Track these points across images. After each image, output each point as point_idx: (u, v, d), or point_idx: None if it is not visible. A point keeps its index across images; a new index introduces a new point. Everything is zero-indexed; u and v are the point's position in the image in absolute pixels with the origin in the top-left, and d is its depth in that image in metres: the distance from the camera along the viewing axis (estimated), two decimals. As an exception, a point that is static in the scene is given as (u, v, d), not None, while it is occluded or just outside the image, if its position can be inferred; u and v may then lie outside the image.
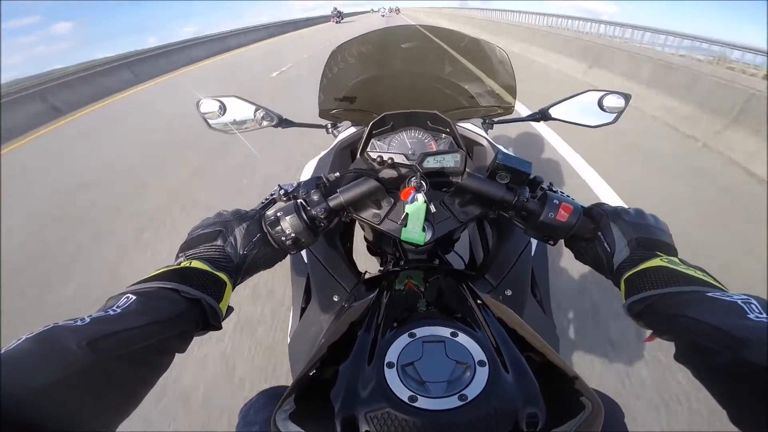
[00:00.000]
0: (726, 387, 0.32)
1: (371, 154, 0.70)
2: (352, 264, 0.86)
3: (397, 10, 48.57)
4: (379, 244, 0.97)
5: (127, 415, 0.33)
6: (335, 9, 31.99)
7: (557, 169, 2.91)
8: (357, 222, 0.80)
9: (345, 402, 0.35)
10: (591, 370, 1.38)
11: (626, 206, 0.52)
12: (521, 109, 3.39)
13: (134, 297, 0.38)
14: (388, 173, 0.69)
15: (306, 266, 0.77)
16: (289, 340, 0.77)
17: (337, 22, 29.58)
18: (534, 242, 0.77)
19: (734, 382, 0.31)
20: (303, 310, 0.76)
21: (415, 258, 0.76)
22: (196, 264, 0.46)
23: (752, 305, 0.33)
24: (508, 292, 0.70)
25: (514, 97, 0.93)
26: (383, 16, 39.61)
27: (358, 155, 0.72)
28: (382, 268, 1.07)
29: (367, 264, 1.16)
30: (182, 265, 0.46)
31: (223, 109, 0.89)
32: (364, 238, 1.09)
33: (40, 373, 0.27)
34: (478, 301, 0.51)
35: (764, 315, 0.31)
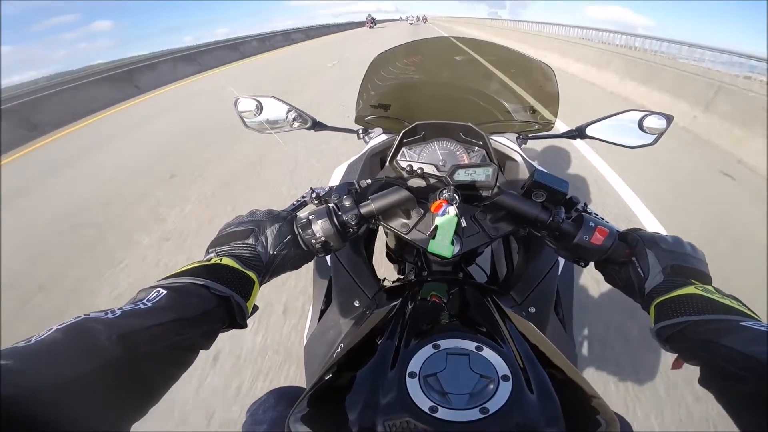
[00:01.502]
0: (750, 412, 0.32)
1: (401, 162, 0.70)
2: (372, 270, 0.86)
3: (425, 19, 49.04)
4: (402, 252, 0.97)
5: (148, 409, 0.33)
6: (369, 15, 33.63)
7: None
8: (380, 229, 0.80)
9: (364, 408, 0.35)
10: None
11: (664, 233, 0.51)
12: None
13: (165, 291, 0.38)
14: (416, 183, 0.68)
15: (329, 269, 0.77)
16: (305, 341, 0.77)
17: (370, 27, 30.86)
18: (561, 261, 0.75)
19: (758, 408, 0.31)
20: (322, 312, 0.76)
21: (438, 269, 0.75)
22: (227, 261, 0.47)
23: None
24: (532, 310, 0.69)
25: (555, 115, 0.91)
26: (411, 24, 40.12)
27: (387, 163, 0.72)
28: (401, 276, 1.06)
29: (385, 271, 1.15)
30: (213, 261, 0.46)
31: (259, 108, 0.89)
32: (386, 245, 1.08)
33: (69, 364, 0.28)
34: (504, 317, 0.50)
35: None
